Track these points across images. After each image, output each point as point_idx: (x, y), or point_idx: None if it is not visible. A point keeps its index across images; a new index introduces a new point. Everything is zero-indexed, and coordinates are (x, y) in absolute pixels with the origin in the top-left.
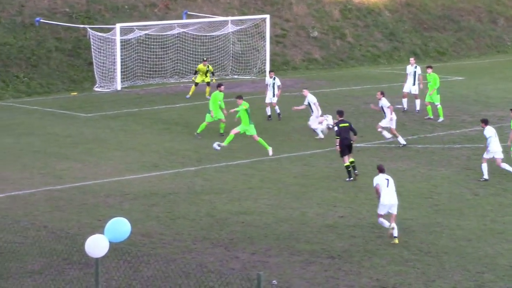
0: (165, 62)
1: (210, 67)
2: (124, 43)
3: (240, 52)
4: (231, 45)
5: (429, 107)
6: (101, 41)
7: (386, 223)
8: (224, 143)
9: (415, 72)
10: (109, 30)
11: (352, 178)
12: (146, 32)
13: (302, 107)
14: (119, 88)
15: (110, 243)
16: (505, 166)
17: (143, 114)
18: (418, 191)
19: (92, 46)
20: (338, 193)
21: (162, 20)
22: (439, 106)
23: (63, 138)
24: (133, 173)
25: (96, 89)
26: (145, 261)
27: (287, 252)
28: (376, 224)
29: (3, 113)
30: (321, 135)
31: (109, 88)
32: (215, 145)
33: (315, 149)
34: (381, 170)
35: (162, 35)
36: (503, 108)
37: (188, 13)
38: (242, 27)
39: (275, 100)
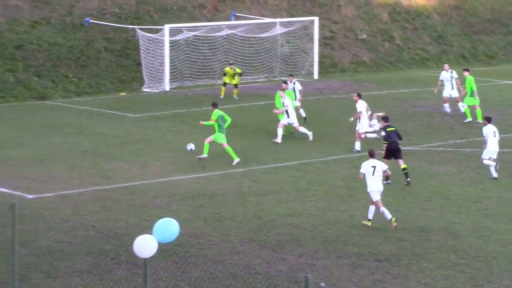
0: (213, 63)
1: (237, 70)
2: (172, 44)
3: (288, 54)
4: (279, 47)
5: (466, 109)
6: (150, 42)
7: (387, 214)
8: (204, 154)
9: (451, 77)
10: (157, 31)
11: (389, 182)
12: (195, 33)
13: (279, 111)
14: (167, 88)
15: (159, 243)
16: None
17: (191, 115)
18: (467, 195)
19: (140, 47)
20: (386, 196)
21: (210, 21)
22: (478, 109)
23: (111, 138)
24: (181, 173)
25: (145, 90)
26: (192, 262)
27: (335, 254)
28: (424, 227)
29: (52, 112)
30: (375, 136)
31: (158, 89)
32: (188, 146)
33: (363, 152)
34: (371, 155)
35: (210, 36)
36: None
37: (237, 14)
38: (290, 29)
39: (298, 104)
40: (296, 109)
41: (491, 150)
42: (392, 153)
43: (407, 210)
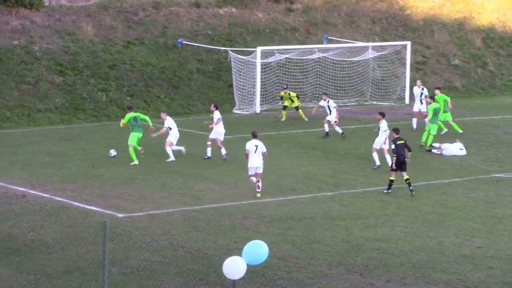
0: (304, 86)
1: (292, 93)
2: (264, 66)
3: (379, 78)
4: (371, 71)
5: (454, 124)
6: (242, 63)
7: (254, 179)
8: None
9: (421, 93)
10: (249, 53)
11: (390, 191)
12: (286, 55)
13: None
14: (258, 111)
15: (247, 265)
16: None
17: (281, 137)
18: None
19: (232, 69)
20: (475, 223)
21: (302, 44)
22: (452, 123)
23: (201, 158)
24: (270, 196)
25: (235, 111)
26: (280, 285)
27: (423, 281)
28: None
29: (144, 132)
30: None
31: (248, 111)
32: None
33: (453, 178)
34: (254, 136)
35: (302, 59)
36: None
37: (329, 38)
38: (382, 53)
39: (330, 118)
40: (332, 126)
41: (379, 141)
42: (399, 165)
43: (497, 238)
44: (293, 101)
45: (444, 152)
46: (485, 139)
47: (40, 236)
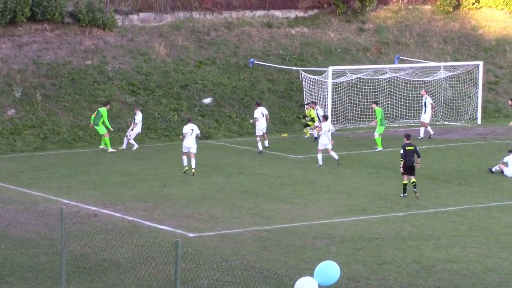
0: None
1: (311, 112)
2: (335, 86)
3: (451, 98)
4: (443, 91)
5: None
6: (313, 83)
7: (185, 159)
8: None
9: (424, 103)
10: (321, 72)
11: (406, 194)
12: (358, 75)
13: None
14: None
15: (319, 286)
16: (333, 154)
17: (352, 157)
18: None
19: (304, 88)
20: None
21: (374, 64)
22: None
23: (272, 178)
24: (341, 216)
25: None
26: None
27: None
28: None
29: (216, 152)
30: None
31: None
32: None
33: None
34: (189, 120)
35: (373, 79)
36: None
37: (400, 57)
38: (454, 73)
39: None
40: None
41: (324, 142)
42: (407, 169)
43: None
44: (312, 119)
45: (506, 172)
46: None
47: (112, 256)
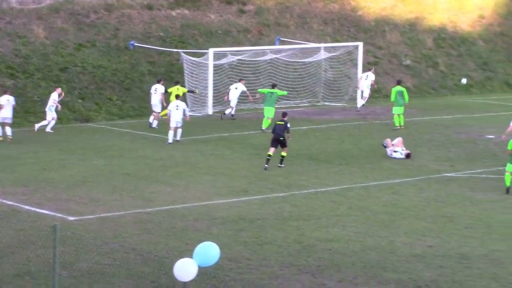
0: (256, 87)
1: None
2: (216, 68)
3: (331, 79)
4: (323, 72)
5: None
6: (194, 65)
7: (170, 138)
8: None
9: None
10: (202, 54)
11: (267, 166)
12: (239, 57)
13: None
14: (210, 112)
15: (199, 267)
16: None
17: (233, 139)
18: (509, 222)
19: (185, 70)
20: (427, 223)
21: (255, 45)
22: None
23: (153, 161)
24: (222, 197)
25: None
26: (232, 286)
27: (374, 280)
28: (465, 254)
29: (96, 135)
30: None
31: (201, 113)
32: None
33: (404, 178)
34: (177, 97)
35: (254, 60)
36: None
37: (281, 39)
38: (334, 54)
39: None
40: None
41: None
42: (274, 141)
43: (448, 237)
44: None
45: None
46: (436, 139)
47: None
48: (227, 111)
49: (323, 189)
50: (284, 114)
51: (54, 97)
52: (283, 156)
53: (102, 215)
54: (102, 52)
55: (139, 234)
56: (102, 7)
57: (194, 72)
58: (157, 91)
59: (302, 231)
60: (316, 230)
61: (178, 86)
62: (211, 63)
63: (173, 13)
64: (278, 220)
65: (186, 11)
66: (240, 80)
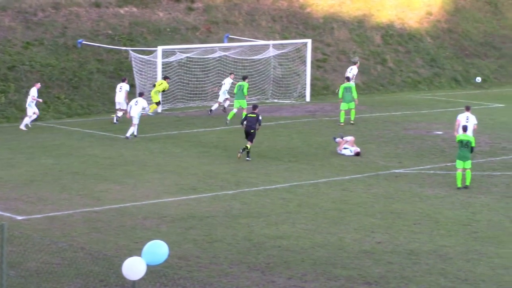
0: (205, 85)
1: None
2: (165, 66)
3: (280, 76)
4: (272, 69)
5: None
6: (143, 63)
7: (129, 133)
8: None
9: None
10: (150, 52)
11: (240, 152)
12: (188, 55)
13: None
14: (159, 110)
15: (148, 265)
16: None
17: (182, 136)
18: (457, 218)
19: (133, 68)
20: (375, 219)
21: (203, 43)
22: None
23: (102, 159)
24: (171, 195)
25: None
26: (181, 285)
27: (324, 277)
28: (413, 250)
29: (44, 133)
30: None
31: (150, 110)
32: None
33: (354, 174)
34: (140, 95)
35: (203, 58)
36: None
37: (230, 36)
38: (283, 51)
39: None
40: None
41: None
42: (246, 135)
43: (396, 233)
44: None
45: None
46: (384, 135)
47: None
48: (214, 107)
49: (273, 187)
50: (255, 107)
51: (33, 92)
52: (248, 148)
53: (50, 214)
54: (50, 50)
55: (88, 233)
56: (50, 5)
57: (143, 70)
58: (122, 89)
59: (252, 228)
60: (265, 227)
61: (161, 81)
62: (159, 61)
63: (121, 11)
64: (227, 217)
65: (135, 9)
66: (230, 74)
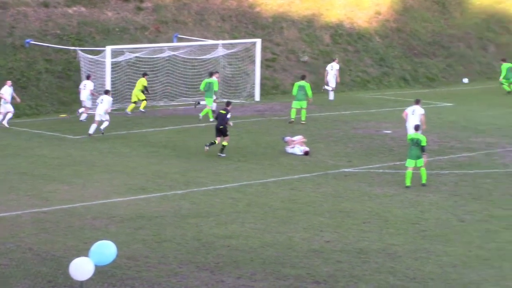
0: (154, 84)
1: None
2: (114, 66)
3: (230, 75)
4: (221, 69)
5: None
6: (91, 63)
7: (93, 128)
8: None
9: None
10: (99, 52)
11: (209, 146)
12: (136, 54)
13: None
14: (109, 110)
15: (95, 266)
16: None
17: (131, 136)
18: (405, 216)
19: (82, 68)
20: (324, 218)
21: (152, 43)
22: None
23: (50, 160)
24: (120, 195)
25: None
26: (129, 285)
27: (273, 276)
28: (362, 249)
29: None
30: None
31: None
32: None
33: (303, 173)
34: (106, 92)
35: (152, 58)
36: (492, 134)
37: (179, 36)
38: (232, 50)
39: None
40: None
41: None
42: (217, 131)
43: (345, 232)
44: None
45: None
46: (334, 135)
47: None
48: (202, 102)
49: (222, 186)
50: (228, 103)
51: (4, 90)
52: (224, 146)
53: None
54: None
55: (37, 233)
56: None
57: (92, 70)
58: (86, 87)
59: (201, 228)
60: (214, 227)
61: (142, 79)
62: (108, 60)
63: (70, 11)
64: (176, 217)
65: (83, 9)
66: (216, 73)
